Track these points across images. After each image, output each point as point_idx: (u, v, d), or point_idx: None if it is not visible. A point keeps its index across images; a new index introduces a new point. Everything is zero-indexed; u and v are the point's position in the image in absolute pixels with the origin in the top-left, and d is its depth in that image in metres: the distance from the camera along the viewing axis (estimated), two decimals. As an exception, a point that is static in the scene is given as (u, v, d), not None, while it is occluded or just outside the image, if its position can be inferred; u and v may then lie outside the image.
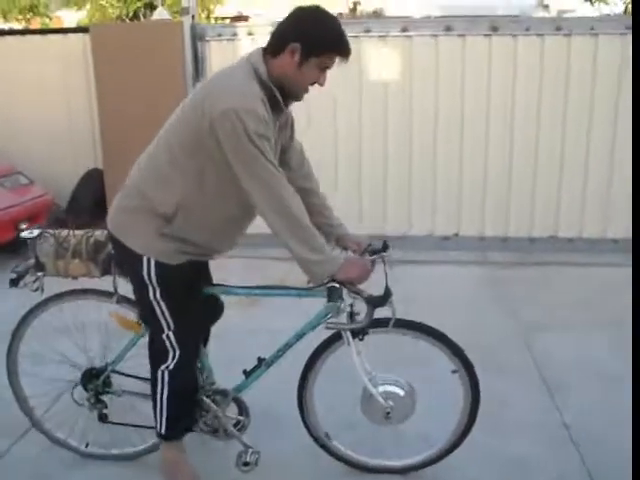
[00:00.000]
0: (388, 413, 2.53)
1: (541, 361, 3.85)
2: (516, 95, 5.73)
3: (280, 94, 2.25)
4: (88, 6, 19.30)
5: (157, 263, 2.34)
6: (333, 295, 2.32)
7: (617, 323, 4.01)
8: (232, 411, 2.73)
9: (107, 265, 2.61)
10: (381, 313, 2.41)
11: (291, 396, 2.68)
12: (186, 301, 2.45)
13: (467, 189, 5.98)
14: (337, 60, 2.24)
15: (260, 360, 2.60)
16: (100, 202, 5.84)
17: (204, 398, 2.67)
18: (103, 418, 2.83)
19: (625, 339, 2.79)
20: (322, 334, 2.52)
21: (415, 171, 5.99)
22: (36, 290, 2.66)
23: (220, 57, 5.70)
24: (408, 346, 2.64)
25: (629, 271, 2.45)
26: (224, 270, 2.92)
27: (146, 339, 2.61)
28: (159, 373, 2.51)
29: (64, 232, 2.67)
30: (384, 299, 2.38)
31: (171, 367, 2.49)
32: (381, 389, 2.53)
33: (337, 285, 2.31)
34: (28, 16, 19.57)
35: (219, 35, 5.92)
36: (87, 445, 2.92)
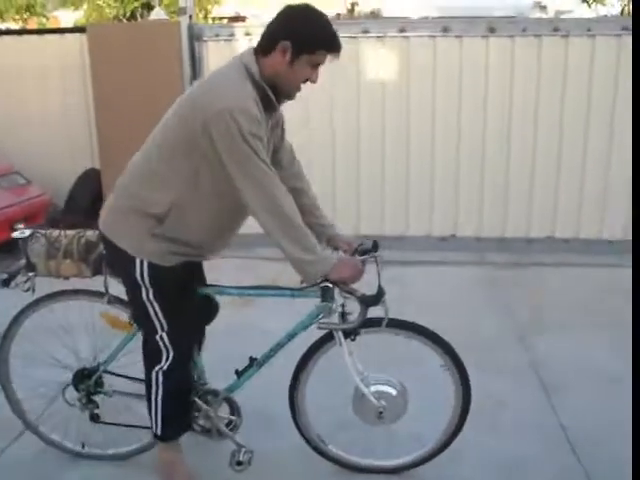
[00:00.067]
0: (380, 413, 2.53)
1: (538, 362, 3.85)
2: (513, 96, 5.74)
3: (272, 93, 2.26)
4: (85, 6, 19.28)
5: (150, 264, 2.34)
6: (326, 295, 2.33)
7: (614, 324, 4.01)
8: (224, 411, 2.73)
9: (98, 265, 2.60)
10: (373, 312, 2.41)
11: (284, 396, 2.69)
12: (179, 302, 2.45)
13: (464, 190, 5.98)
14: (329, 57, 2.25)
15: (252, 360, 2.60)
16: (97, 202, 5.78)
17: (195, 399, 2.67)
18: (95, 418, 2.83)
19: (622, 340, 2.80)
20: (317, 334, 2.53)
21: (412, 172, 5.99)
22: (27, 290, 2.65)
23: (217, 57, 5.70)
24: (401, 346, 2.63)
25: (625, 271, 2.45)
26: (217, 270, 2.92)
27: (138, 339, 2.60)
28: (153, 374, 2.51)
29: (55, 232, 2.67)
30: (377, 298, 2.38)
31: (165, 368, 2.49)
32: (373, 389, 2.53)
33: (330, 285, 2.31)
34: (25, 16, 19.54)
35: (216, 35, 5.92)
36: (83, 446, 2.91)
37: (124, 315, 2.68)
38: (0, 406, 2.97)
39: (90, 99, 6.29)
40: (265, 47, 2.24)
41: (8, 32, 8.23)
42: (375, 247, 2.56)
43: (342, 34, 6.00)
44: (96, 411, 2.82)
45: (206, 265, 2.66)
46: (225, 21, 16.98)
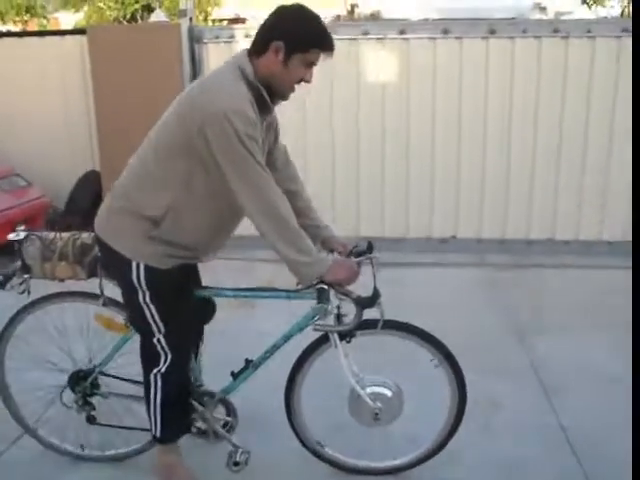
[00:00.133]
0: (376, 414, 2.54)
1: (538, 363, 3.85)
2: (513, 97, 5.74)
3: (267, 94, 2.26)
4: (86, 8, 19.29)
5: (146, 267, 2.34)
6: (321, 297, 2.33)
7: (614, 325, 4.01)
8: (220, 412, 2.74)
9: (93, 268, 2.60)
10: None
11: (281, 397, 2.69)
12: (176, 304, 2.45)
13: (464, 191, 5.99)
14: (322, 56, 2.26)
15: (248, 362, 2.61)
16: (97, 204, 5.72)
17: (192, 400, 2.67)
18: (91, 420, 2.83)
19: (622, 341, 2.80)
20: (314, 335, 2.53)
21: (412, 173, 6.00)
22: (23, 292, 2.65)
23: (217, 59, 5.70)
24: (396, 347, 2.64)
25: (625, 273, 2.45)
26: (215, 272, 2.92)
27: (133, 341, 2.61)
28: (151, 377, 2.51)
29: (51, 234, 2.67)
30: (373, 300, 2.38)
31: (163, 370, 2.49)
32: (369, 390, 2.54)
33: (325, 287, 2.32)
34: (25, 18, 19.55)
35: (216, 37, 5.93)
36: (83, 448, 2.91)
37: (119, 317, 2.68)
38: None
39: (90, 101, 6.30)
40: (258, 48, 2.25)
41: (9, 34, 8.22)
42: (370, 248, 2.56)
43: (342, 36, 6.05)
44: (92, 413, 2.82)
45: (204, 267, 2.66)
46: (225, 23, 17.00)
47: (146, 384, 2.55)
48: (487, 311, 4.69)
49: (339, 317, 2.46)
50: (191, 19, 5.97)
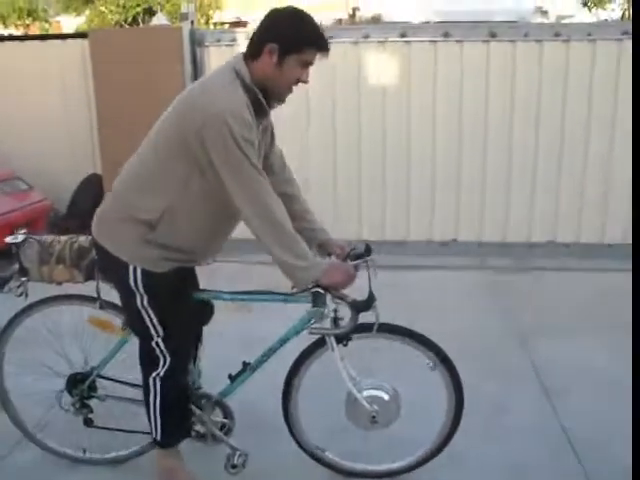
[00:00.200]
0: (373, 417, 2.54)
1: (540, 366, 3.85)
2: (514, 101, 5.74)
3: (263, 97, 2.27)
4: (87, 12, 19.34)
5: (143, 271, 2.34)
6: (317, 300, 2.33)
7: (615, 328, 4.00)
8: (217, 415, 2.74)
9: (91, 271, 2.61)
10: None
11: (278, 400, 2.69)
12: (174, 307, 2.45)
13: (465, 194, 5.98)
14: (318, 56, 2.26)
15: (245, 365, 2.61)
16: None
17: (190, 404, 2.67)
18: (88, 423, 2.83)
19: (623, 344, 2.80)
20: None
21: (413, 176, 6.00)
22: (20, 295, 2.66)
23: (219, 62, 5.59)
24: (393, 350, 2.63)
25: (626, 276, 2.45)
26: (215, 275, 2.92)
27: (131, 343, 2.61)
28: (150, 380, 2.51)
29: (49, 238, 2.68)
30: (368, 304, 2.38)
31: (162, 374, 2.49)
32: (366, 394, 2.54)
33: (321, 290, 2.32)
34: (27, 21, 19.59)
35: (218, 40, 5.94)
36: (84, 451, 2.91)
37: (114, 319, 2.69)
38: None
39: (92, 105, 6.30)
40: (253, 51, 2.26)
41: (10, 38, 8.23)
42: (368, 251, 2.55)
43: (343, 39, 6.06)
44: (90, 415, 2.83)
45: (204, 270, 2.66)
46: (226, 26, 17.03)
47: (145, 388, 2.55)
48: (488, 314, 4.68)
49: (335, 320, 2.46)
50: (192, 22, 5.99)
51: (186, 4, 5.96)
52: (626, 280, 2.41)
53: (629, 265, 2.39)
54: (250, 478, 2.69)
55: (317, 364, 2.62)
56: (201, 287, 2.66)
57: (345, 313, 2.42)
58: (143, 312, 2.40)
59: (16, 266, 2.64)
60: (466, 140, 5.87)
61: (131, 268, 2.34)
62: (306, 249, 2.30)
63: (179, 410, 2.60)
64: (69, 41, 6.73)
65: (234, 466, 2.62)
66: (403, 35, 5.75)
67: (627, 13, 14.82)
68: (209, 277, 2.84)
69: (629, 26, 5.43)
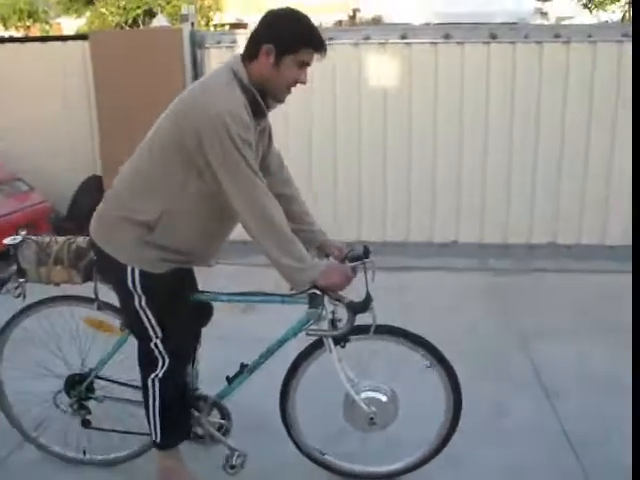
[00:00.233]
0: (371, 419, 2.54)
1: (540, 368, 3.85)
2: (515, 102, 5.74)
3: (261, 97, 2.27)
4: (88, 13, 19.35)
5: (141, 272, 2.35)
6: (314, 302, 2.34)
7: (615, 330, 4.00)
8: (214, 416, 2.74)
9: (89, 272, 2.61)
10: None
11: (277, 401, 2.70)
12: (172, 308, 2.45)
13: (466, 196, 5.98)
14: (315, 57, 2.27)
15: (243, 366, 2.61)
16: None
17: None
18: (86, 424, 2.83)
19: (624, 346, 2.80)
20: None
21: (414, 177, 5.99)
22: (18, 296, 2.66)
23: (219, 64, 5.69)
24: (390, 352, 2.63)
25: (627, 277, 2.45)
26: (216, 277, 2.91)
27: (129, 344, 2.61)
28: (149, 382, 2.51)
29: (46, 239, 2.68)
30: (365, 305, 2.38)
31: (161, 375, 2.49)
32: (363, 395, 2.54)
33: (318, 292, 2.32)
34: (28, 23, 19.61)
35: (218, 42, 5.94)
36: (85, 453, 2.91)
37: (111, 318, 2.69)
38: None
39: (92, 106, 6.30)
40: (250, 52, 2.27)
41: (11, 39, 8.24)
42: (366, 253, 2.55)
43: (344, 41, 6.05)
44: (88, 417, 2.82)
45: (202, 271, 2.65)
46: (227, 28, 17.03)
47: (144, 389, 2.55)
48: (488, 315, 4.68)
49: (333, 322, 2.46)
50: (193, 24, 5.98)
51: (186, 6, 5.96)
52: (627, 281, 2.41)
53: (630, 266, 2.39)
54: (249, 479, 2.70)
55: (315, 365, 2.62)
56: (203, 288, 2.66)
57: (343, 315, 2.41)
58: (141, 313, 2.40)
59: (14, 267, 2.65)
60: (467, 141, 5.86)
61: (129, 269, 2.34)
62: (303, 250, 2.30)
63: (178, 411, 2.60)
64: (70, 43, 6.72)
65: (232, 466, 2.63)
66: (404, 37, 5.76)
67: (628, 15, 14.82)
68: (208, 278, 2.84)
69: (629, 28, 5.43)
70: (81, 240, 2.65)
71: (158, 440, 2.58)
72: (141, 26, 17.25)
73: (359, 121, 5.93)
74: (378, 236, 6.00)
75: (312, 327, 2.44)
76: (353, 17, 19.40)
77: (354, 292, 2.37)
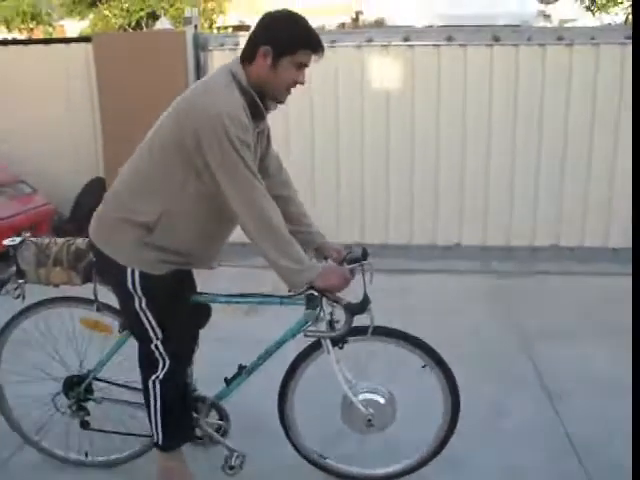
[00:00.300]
0: (369, 421, 2.54)
1: (543, 370, 3.84)
2: (518, 104, 5.74)
3: (260, 99, 2.28)
4: (91, 16, 19.36)
5: (141, 273, 2.35)
6: (311, 303, 2.35)
7: (618, 332, 3.99)
8: (212, 417, 2.75)
9: (88, 273, 2.61)
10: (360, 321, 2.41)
11: (275, 402, 2.69)
12: (172, 309, 2.45)
13: (469, 198, 5.99)
14: (313, 58, 2.28)
15: (241, 368, 2.62)
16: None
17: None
18: (85, 425, 2.83)
19: (626, 348, 2.79)
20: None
21: (417, 180, 6.00)
22: (17, 297, 2.66)
23: (222, 66, 5.71)
24: (388, 353, 2.63)
25: (629, 280, 2.45)
26: (217, 279, 2.91)
27: (127, 345, 2.61)
28: (150, 383, 2.51)
29: (46, 240, 2.68)
30: (363, 307, 2.38)
31: (161, 377, 2.49)
32: (361, 397, 2.54)
33: (316, 293, 2.32)
34: (31, 25, 19.63)
35: (221, 45, 5.95)
36: (87, 455, 2.91)
37: (106, 319, 2.69)
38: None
39: (96, 108, 6.32)
40: (248, 55, 2.28)
41: (14, 42, 8.25)
42: (365, 255, 2.56)
43: (346, 43, 6.04)
44: (86, 418, 2.83)
45: (201, 273, 2.65)
46: (230, 30, 17.04)
47: (145, 391, 2.55)
48: (491, 318, 4.68)
49: (331, 323, 2.46)
50: (196, 27, 6.00)
51: (189, 8, 5.97)
52: (630, 284, 2.41)
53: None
54: (247, 478, 2.70)
55: (313, 367, 2.62)
56: (202, 290, 2.66)
57: (341, 316, 2.41)
58: (141, 314, 2.41)
59: (13, 268, 2.65)
60: (470, 144, 5.87)
61: (129, 270, 2.35)
62: (301, 252, 2.30)
63: (179, 413, 2.60)
64: (73, 45, 6.75)
65: (232, 467, 2.63)
66: (406, 39, 5.77)
67: (631, 17, 14.80)
68: (208, 280, 2.84)
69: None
70: (80, 241, 2.65)
71: (160, 442, 2.58)
72: (144, 29, 17.27)
73: (362, 123, 5.94)
74: (380, 238, 6.01)
75: (310, 328, 2.44)
76: (356, 19, 19.39)
77: (352, 294, 2.37)
